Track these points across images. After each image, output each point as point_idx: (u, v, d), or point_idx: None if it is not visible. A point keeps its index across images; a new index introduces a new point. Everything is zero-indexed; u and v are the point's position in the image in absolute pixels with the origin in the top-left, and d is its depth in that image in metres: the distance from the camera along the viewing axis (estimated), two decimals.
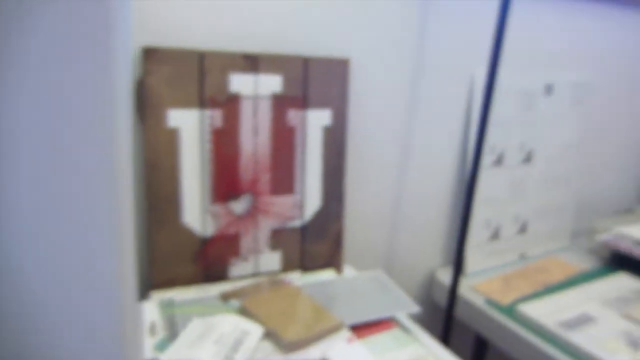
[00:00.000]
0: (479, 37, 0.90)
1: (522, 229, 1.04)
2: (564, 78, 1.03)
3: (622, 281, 0.95)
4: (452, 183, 0.97)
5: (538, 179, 1.04)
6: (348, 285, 0.73)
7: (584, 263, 1.04)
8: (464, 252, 0.97)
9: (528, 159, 1.01)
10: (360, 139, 0.84)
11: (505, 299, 0.88)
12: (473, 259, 0.98)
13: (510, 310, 0.84)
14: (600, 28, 1.07)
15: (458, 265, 0.89)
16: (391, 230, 0.93)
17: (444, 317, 1.01)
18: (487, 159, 0.95)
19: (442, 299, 0.96)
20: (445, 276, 0.97)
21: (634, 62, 1.16)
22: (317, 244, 0.80)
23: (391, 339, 0.63)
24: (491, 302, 0.87)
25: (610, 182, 1.24)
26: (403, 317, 0.68)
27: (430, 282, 1.01)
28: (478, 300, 0.88)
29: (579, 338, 0.75)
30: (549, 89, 1.01)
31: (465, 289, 0.92)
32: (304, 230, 0.78)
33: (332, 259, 0.81)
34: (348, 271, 0.82)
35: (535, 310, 0.83)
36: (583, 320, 0.80)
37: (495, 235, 1.00)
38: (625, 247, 1.01)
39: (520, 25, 0.94)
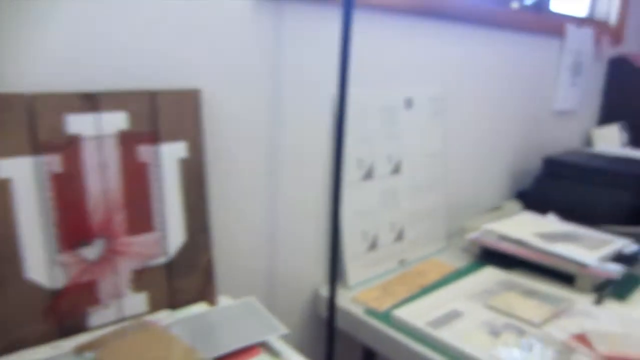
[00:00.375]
0: (336, 57, 0.94)
1: (399, 237, 1.10)
2: (422, 92, 1.11)
3: (487, 275, 1.03)
4: (327, 199, 1.00)
5: (408, 188, 1.10)
6: (217, 316, 0.73)
7: (458, 262, 1.12)
8: (342, 265, 1.00)
9: (396, 169, 1.07)
10: (225, 166, 0.84)
11: (383, 306, 0.92)
12: (354, 270, 1.01)
13: (386, 317, 0.88)
14: (455, 44, 1.18)
15: (333, 279, 0.92)
16: (271, 253, 0.94)
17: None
18: (357, 173, 1.00)
19: (350, 310, 0.97)
20: (326, 291, 0.99)
21: (487, 75, 1.29)
22: (186, 278, 0.78)
23: None
24: (370, 311, 0.91)
25: (481, 184, 1.35)
26: (274, 340, 0.69)
27: (315, 299, 1.03)
28: (358, 311, 0.91)
29: (446, 334, 0.80)
30: (409, 103, 1.08)
31: (347, 300, 0.95)
32: (170, 266, 0.76)
33: (204, 292, 0.80)
34: (224, 301, 0.81)
35: (409, 313, 0.87)
36: (451, 317, 0.86)
37: (374, 245, 1.05)
38: (491, 242, 1.10)
39: (377, 44, 1.01)
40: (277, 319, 0.72)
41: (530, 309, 0.87)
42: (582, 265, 0.96)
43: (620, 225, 1.15)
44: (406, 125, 1.08)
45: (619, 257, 1.00)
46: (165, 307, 0.76)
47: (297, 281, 0.99)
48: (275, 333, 0.68)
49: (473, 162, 1.31)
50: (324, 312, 0.99)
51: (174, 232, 0.76)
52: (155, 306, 0.75)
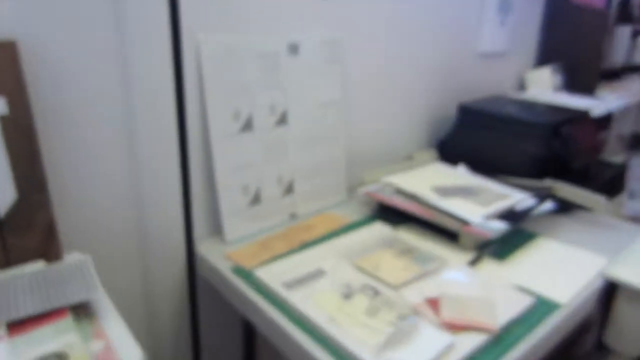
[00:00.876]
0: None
1: (289, 190, 1.05)
2: (311, 37, 1.02)
3: (374, 231, 0.99)
4: (200, 152, 0.93)
5: (297, 139, 1.04)
6: (38, 276, 0.69)
7: (354, 216, 1.08)
8: (220, 220, 0.96)
9: (282, 120, 1.00)
10: (70, 121, 0.78)
11: (252, 264, 0.89)
12: (233, 225, 0.97)
13: (248, 275, 0.85)
14: None
15: (189, 237, 0.89)
16: (137, 211, 0.89)
17: (206, 290, 1.03)
18: (234, 125, 0.93)
19: (203, 271, 0.95)
20: (205, 247, 0.96)
21: (394, 14, 1.18)
22: (21, 236, 0.74)
23: (53, 331, 0.60)
24: (237, 269, 0.88)
25: (393, 133, 1.29)
26: (99, 302, 0.66)
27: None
28: (226, 268, 0.88)
29: (297, 296, 0.77)
30: (293, 49, 0.99)
31: (219, 257, 0.92)
32: (1, 225, 0.71)
33: (45, 250, 0.76)
34: (71, 258, 0.78)
35: (271, 272, 0.84)
36: (313, 276, 0.83)
37: (257, 199, 1.00)
38: (382, 196, 1.05)
39: None
40: (98, 280, 0.69)
41: (396, 269, 0.84)
42: (464, 223, 0.92)
43: (528, 178, 1.10)
44: (292, 73, 1.00)
45: (509, 214, 0.96)
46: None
47: (171, 239, 0.95)
48: (83, 296, 0.65)
49: (383, 111, 1.24)
50: (203, 271, 0.96)
51: (1, 191, 0.71)
52: None
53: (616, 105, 1.44)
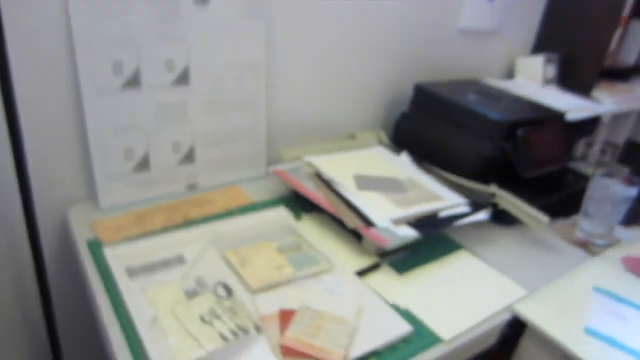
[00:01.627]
0: None
1: (188, 158, 0.92)
2: None
3: (271, 216, 0.85)
4: (69, 110, 0.80)
5: (203, 103, 0.90)
6: None
7: (263, 195, 0.95)
8: (95, 184, 0.84)
9: (183, 79, 0.86)
10: None
11: (112, 238, 0.77)
12: (110, 191, 0.85)
13: (99, 252, 0.73)
14: None
15: (27, 206, 0.77)
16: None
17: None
18: (113, 79, 0.79)
19: (77, 239, 0.83)
20: (77, 213, 0.84)
21: None
22: None
23: None
24: (93, 242, 0.76)
25: (337, 107, 1.13)
26: None
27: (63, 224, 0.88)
28: (82, 240, 0.77)
29: (133, 285, 0.65)
30: None
31: (83, 226, 0.80)
32: None
33: None
34: None
35: (125, 251, 0.72)
36: (168, 264, 0.70)
37: (144, 165, 0.87)
38: (291, 178, 0.91)
39: None
40: None
41: (266, 269, 0.70)
42: (367, 223, 0.78)
43: (474, 180, 0.94)
44: (198, 25, 0.84)
45: (429, 220, 0.81)
46: None
47: (47, 199, 0.84)
48: None
49: (328, 82, 1.08)
50: (72, 237, 0.84)
51: None
52: None
53: (607, 110, 1.25)
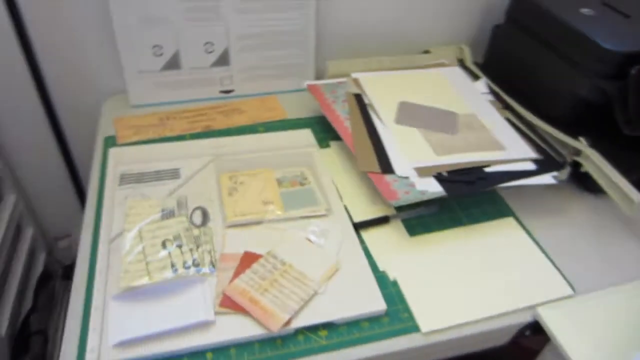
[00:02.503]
0: None
1: (222, 61, 0.83)
2: None
3: (294, 139, 0.75)
4: None
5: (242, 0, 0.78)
6: None
7: (300, 111, 0.84)
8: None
9: None
10: None
11: (127, 138, 0.75)
12: (139, 89, 0.82)
13: (107, 152, 0.72)
14: None
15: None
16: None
17: None
18: None
19: (99, 133, 0.83)
20: (110, 107, 0.83)
21: None
22: None
23: None
24: (110, 139, 0.75)
25: (412, 15, 0.91)
26: None
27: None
28: (102, 134, 0.76)
29: (119, 194, 0.63)
30: None
31: (108, 122, 0.79)
32: None
33: None
34: None
35: (130, 154, 0.70)
36: (159, 176, 0.66)
37: (174, 65, 0.81)
38: (324, 96, 0.77)
39: None
40: None
41: (254, 202, 0.62)
42: (385, 168, 0.64)
43: (560, 127, 0.71)
44: None
45: (465, 175, 0.64)
46: None
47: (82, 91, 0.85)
48: None
49: None
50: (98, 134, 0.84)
51: None
52: None
53: None
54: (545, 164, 0.67)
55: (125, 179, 0.66)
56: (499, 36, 0.87)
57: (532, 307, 0.55)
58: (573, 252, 0.63)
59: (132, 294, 0.52)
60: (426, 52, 0.94)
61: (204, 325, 0.50)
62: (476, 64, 0.93)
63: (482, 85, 0.83)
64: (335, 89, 0.80)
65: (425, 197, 0.60)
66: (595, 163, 0.65)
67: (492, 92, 0.82)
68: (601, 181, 0.65)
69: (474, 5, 0.94)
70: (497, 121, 0.74)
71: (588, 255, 0.63)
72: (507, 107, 0.79)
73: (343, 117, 0.73)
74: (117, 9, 0.74)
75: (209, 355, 0.48)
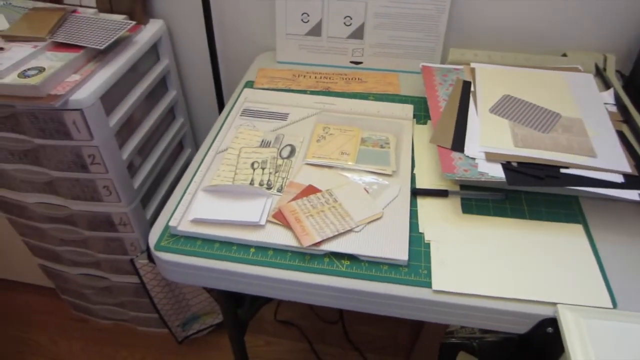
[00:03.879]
0: None
1: (357, 35, 0.93)
2: None
3: (397, 111, 0.82)
4: None
5: None
6: (97, 21, 0.92)
7: (415, 90, 0.90)
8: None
9: None
10: None
11: (262, 84, 0.91)
12: (285, 48, 0.97)
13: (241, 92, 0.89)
14: None
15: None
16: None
17: None
18: None
19: (244, 77, 1.01)
20: (260, 60, 1.01)
21: None
22: None
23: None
24: (249, 82, 0.92)
25: (555, 9, 0.87)
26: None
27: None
28: (246, 79, 0.94)
29: (238, 122, 0.79)
30: None
31: (254, 71, 0.96)
32: None
33: (131, 10, 0.98)
34: (152, 23, 0.99)
35: (259, 96, 0.86)
36: (271, 116, 0.81)
37: (316, 32, 0.94)
38: (434, 77, 0.81)
39: None
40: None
41: (331, 148, 0.72)
42: (456, 144, 0.67)
43: None
44: None
45: (537, 170, 0.62)
46: None
47: (248, 41, 1.04)
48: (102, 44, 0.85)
49: None
50: (243, 78, 1.02)
51: None
52: None
53: None
54: (637, 181, 0.62)
55: (246, 112, 0.82)
56: None
57: (554, 304, 0.54)
58: (637, 274, 0.58)
59: (216, 190, 0.66)
60: (564, 55, 0.90)
61: (255, 226, 0.62)
62: (622, 75, 0.86)
63: (609, 95, 0.78)
64: (448, 74, 0.84)
65: (483, 179, 0.63)
66: None
67: (618, 104, 0.76)
68: None
69: (630, 14, 0.86)
70: (604, 130, 0.70)
71: None
72: (627, 120, 0.73)
73: (441, 99, 0.78)
74: None
75: (252, 250, 0.61)
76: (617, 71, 0.87)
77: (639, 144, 0.69)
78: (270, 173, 0.70)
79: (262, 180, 0.68)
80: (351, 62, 0.98)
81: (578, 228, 0.63)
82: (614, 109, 0.76)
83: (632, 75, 0.84)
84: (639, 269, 0.59)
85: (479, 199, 0.67)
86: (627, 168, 0.64)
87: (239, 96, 0.87)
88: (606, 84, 0.82)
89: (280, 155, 0.73)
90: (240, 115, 0.81)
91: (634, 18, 0.87)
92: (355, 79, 0.94)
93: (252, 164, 0.71)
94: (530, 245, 0.61)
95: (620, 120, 0.73)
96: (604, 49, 0.91)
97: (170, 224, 0.62)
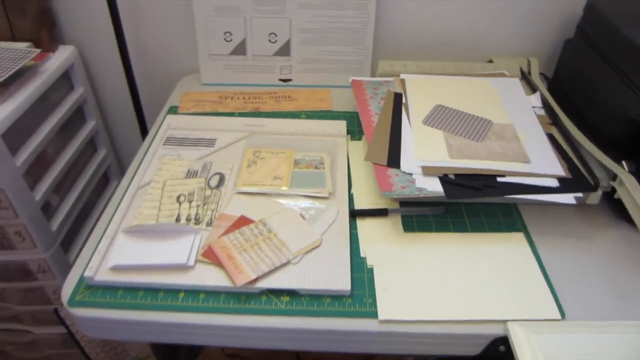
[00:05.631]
0: None
1: (284, 51, 0.90)
2: None
3: (329, 128, 0.79)
4: None
5: None
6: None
7: (348, 105, 0.87)
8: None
9: None
10: None
11: (187, 108, 0.85)
12: (209, 69, 0.92)
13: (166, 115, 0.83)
14: None
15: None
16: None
17: None
18: None
19: (167, 102, 0.95)
20: (183, 81, 0.95)
21: None
22: (19, 18, 0.88)
23: None
24: (173, 108, 0.86)
25: (487, 19, 0.88)
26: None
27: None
28: (169, 104, 0.88)
29: (161, 151, 0.73)
30: None
31: (178, 95, 0.91)
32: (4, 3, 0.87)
33: (36, 36, 0.89)
34: (62, 50, 0.91)
35: (184, 122, 0.80)
36: (196, 143, 0.75)
37: (240, 51, 0.90)
38: (363, 91, 0.79)
39: None
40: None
41: (263, 174, 0.67)
42: (393, 162, 0.64)
43: (607, 148, 0.65)
44: None
45: (475, 181, 0.61)
46: None
47: (165, 66, 0.98)
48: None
49: None
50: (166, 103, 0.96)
51: None
52: None
53: None
54: (572, 184, 0.62)
55: (170, 140, 0.76)
56: (568, 51, 0.82)
57: (505, 322, 0.52)
58: (581, 280, 0.57)
59: (138, 230, 0.60)
60: (490, 61, 0.91)
61: (184, 267, 0.56)
62: (546, 78, 0.88)
63: (536, 98, 0.78)
64: (379, 87, 0.82)
65: (421, 195, 0.60)
66: (628, 190, 0.59)
67: (546, 106, 0.77)
68: (631, 210, 0.58)
69: (549, 18, 0.89)
70: (535, 135, 0.70)
71: (598, 286, 0.57)
72: (555, 123, 0.74)
73: (373, 113, 0.75)
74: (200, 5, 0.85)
75: (181, 295, 0.55)
76: (541, 74, 0.88)
77: (569, 146, 0.69)
78: (198, 206, 0.64)
79: (189, 215, 0.63)
80: (280, 79, 0.94)
81: (520, 237, 0.62)
82: (542, 112, 0.77)
83: (555, 77, 0.86)
84: (582, 274, 0.58)
85: (420, 215, 0.65)
86: (561, 171, 0.64)
87: (161, 124, 0.81)
88: (532, 88, 0.83)
89: (208, 185, 0.67)
90: (164, 145, 0.75)
91: (554, 22, 0.89)
92: (286, 97, 0.90)
93: (178, 198, 0.65)
94: (475, 261, 0.59)
95: (549, 123, 0.74)
96: (529, 53, 0.92)
97: (86, 274, 0.55)
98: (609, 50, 0.70)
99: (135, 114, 1.03)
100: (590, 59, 0.74)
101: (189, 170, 0.70)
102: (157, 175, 0.69)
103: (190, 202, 0.65)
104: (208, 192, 0.66)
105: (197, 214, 0.63)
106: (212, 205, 0.64)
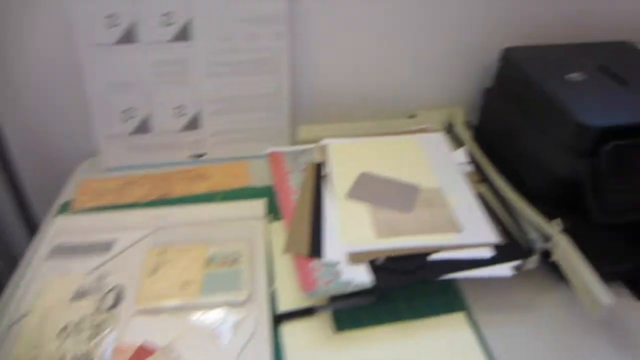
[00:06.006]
0: None
1: (193, 125, 0.82)
2: None
3: (244, 210, 0.70)
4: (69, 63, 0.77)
5: (208, 62, 0.77)
6: None
7: (267, 179, 0.80)
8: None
9: (184, 35, 0.74)
10: None
11: (82, 205, 0.75)
12: (112, 152, 0.82)
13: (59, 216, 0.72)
14: None
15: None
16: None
17: None
18: (107, 33, 0.73)
19: (60, 196, 0.83)
20: (82, 167, 0.84)
21: None
22: None
23: None
24: (65, 205, 0.75)
25: (398, 71, 0.85)
26: None
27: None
28: (63, 198, 0.77)
29: (45, 266, 0.61)
30: None
31: (73, 186, 0.80)
32: None
33: None
34: None
35: (77, 224, 0.69)
36: (90, 250, 0.64)
37: (144, 129, 0.81)
38: (282, 165, 0.72)
39: None
40: None
41: (170, 282, 0.58)
42: (315, 251, 0.57)
43: (540, 205, 0.60)
44: None
45: (407, 264, 0.55)
46: None
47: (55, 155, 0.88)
48: None
49: (382, 34, 0.81)
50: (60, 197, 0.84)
51: None
52: None
53: None
54: (507, 251, 0.56)
55: (57, 251, 0.64)
56: (488, 100, 0.78)
57: None
58: (529, 358, 0.51)
59: None
60: (412, 116, 0.86)
61: None
62: (473, 127, 0.85)
63: (462, 154, 0.74)
64: (299, 157, 0.75)
65: (349, 289, 0.53)
66: (565, 254, 0.54)
67: (473, 162, 0.73)
68: (569, 274, 0.53)
69: (471, 67, 0.86)
70: (464, 197, 0.65)
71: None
72: (484, 180, 0.69)
73: (292, 190, 0.68)
74: (88, 75, 0.76)
75: None
76: (468, 121, 0.85)
77: (501, 205, 0.64)
78: (88, 338, 0.53)
79: (75, 355, 0.51)
80: (192, 155, 0.85)
81: (460, 317, 0.56)
82: (468, 168, 0.72)
83: (480, 126, 0.82)
84: (529, 350, 0.52)
85: (352, 307, 0.57)
86: (494, 238, 0.58)
87: (48, 231, 0.69)
88: (458, 141, 0.79)
89: (101, 308, 0.57)
90: (47, 260, 0.63)
91: (476, 70, 0.86)
92: (199, 175, 0.81)
93: (63, 330, 0.54)
94: (416, 356, 0.51)
95: (477, 180, 0.69)
96: (454, 101, 0.89)
97: None
98: (526, 100, 0.66)
99: (21, 221, 0.90)
100: (510, 110, 0.71)
101: (77, 290, 0.59)
102: (37, 302, 0.57)
103: (78, 334, 0.54)
104: (102, 317, 0.55)
105: (86, 351, 0.52)
106: (107, 333, 0.54)
